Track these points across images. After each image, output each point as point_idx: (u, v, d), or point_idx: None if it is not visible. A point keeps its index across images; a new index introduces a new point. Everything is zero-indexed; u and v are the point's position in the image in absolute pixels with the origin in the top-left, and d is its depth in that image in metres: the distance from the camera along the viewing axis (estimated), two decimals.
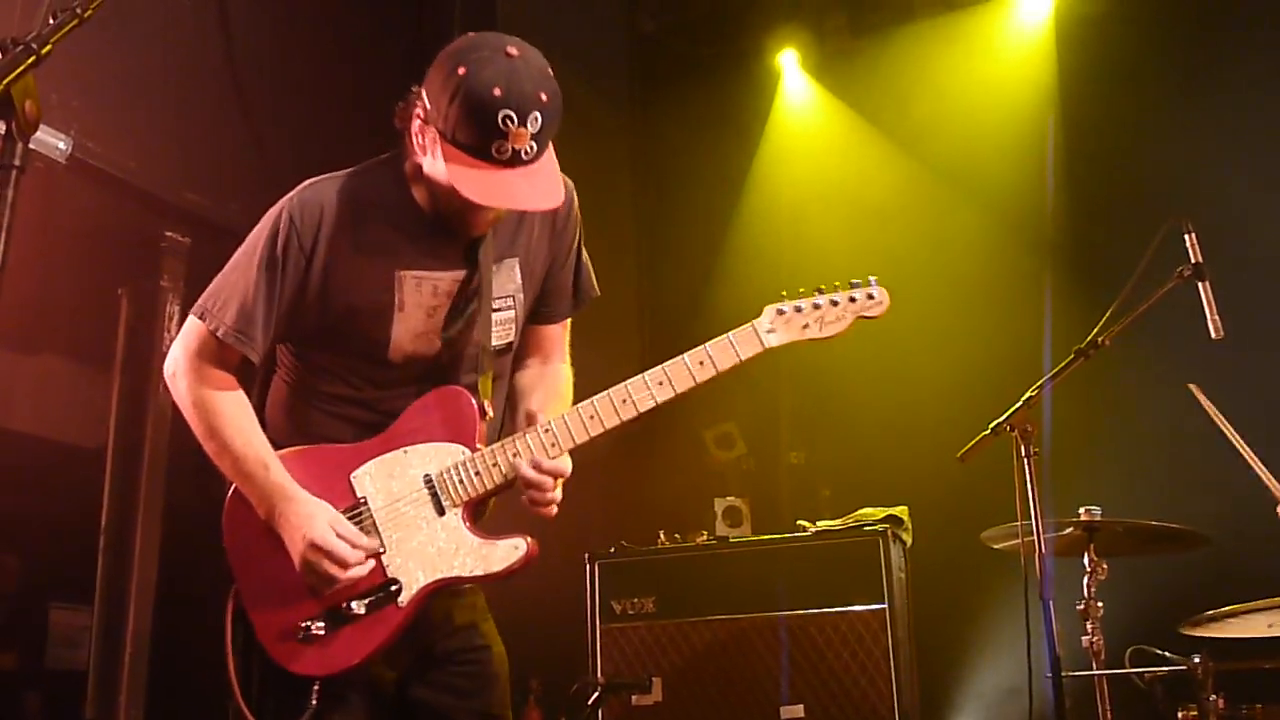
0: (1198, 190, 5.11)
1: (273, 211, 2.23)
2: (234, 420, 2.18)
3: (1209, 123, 5.36)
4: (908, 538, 4.35)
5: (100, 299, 4.34)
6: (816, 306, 2.24)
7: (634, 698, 4.16)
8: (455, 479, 2.17)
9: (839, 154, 6.11)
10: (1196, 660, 3.23)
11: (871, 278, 2.29)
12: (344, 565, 2.08)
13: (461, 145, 2.04)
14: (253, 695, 2.13)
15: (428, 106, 2.09)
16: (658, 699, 4.17)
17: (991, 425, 3.21)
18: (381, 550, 2.14)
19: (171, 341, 4.31)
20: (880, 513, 4.34)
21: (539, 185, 2.12)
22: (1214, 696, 3.20)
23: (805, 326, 2.24)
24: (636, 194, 6.26)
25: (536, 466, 2.16)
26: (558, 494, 2.20)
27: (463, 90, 2.01)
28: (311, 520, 2.10)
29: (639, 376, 2.20)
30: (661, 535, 4.59)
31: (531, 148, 2.06)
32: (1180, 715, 3.28)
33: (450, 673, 2.26)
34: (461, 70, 2.02)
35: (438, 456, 2.18)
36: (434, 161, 2.12)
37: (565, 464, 2.19)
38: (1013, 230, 5.55)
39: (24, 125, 1.36)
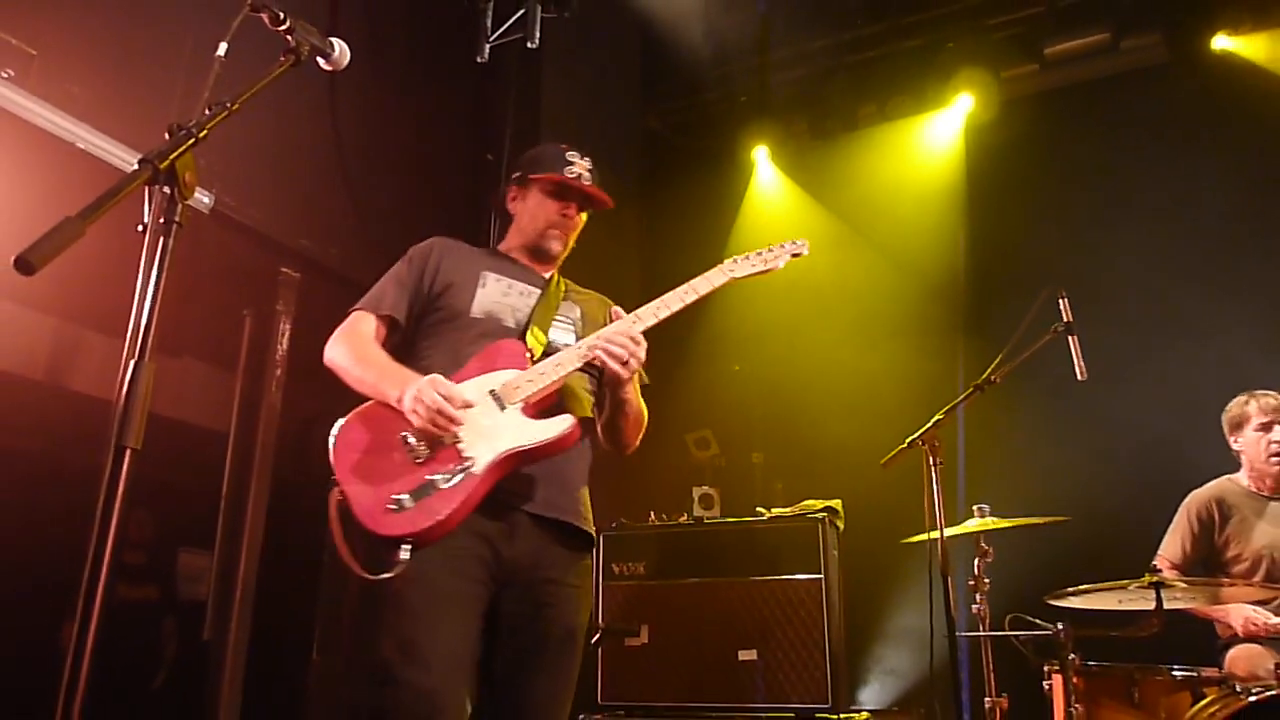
0: (1074, 263, 5.14)
1: None
2: (378, 351, 2.25)
3: (1084, 211, 5.41)
4: (841, 524, 4.34)
5: (229, 318, 4.36)
6: (760, 254, 2.50)
7: (626, 640, 4.15)
8: (512, 387, 2.18)
9: (799, 230, 6.00)
10: (1060, 627, 3.22)
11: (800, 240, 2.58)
12: (451, 399, 2.05)
13: (545, 170, 2.45)
14: (356, 557, 2.02)
15: (516, 176, 2.52)
16: (645, 642, 4.15)
17: (908, 440, 3.22)
18: (460, 440, 2.09)
19: (282, 354, 4.36)
20: (820, 504, 4.32)
21: (599, 194, 2.47)
22: (1073, 656, 3.19)
23: (754, 266, 2.47)
24: (644, 263, 6.26)
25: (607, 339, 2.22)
26: (626, 352, 2.19)
27: (541, 151, 2.52)
28: (433, 377, 2.11)
29: (648, 305, 2.30)
30: (652, 515, 4.59)
31: (590, 177, 2.46)
32: (1046, 669, 3.26)
33: (522, 611, 2.17)
34: (537, 148, 2.55)
35: (498, 379, 2.19)
36: (523, 202, 2.50)
37: (634, 328, 2.24)
38: (931, 292, 5.58)
39: (184, 191, 1.38)
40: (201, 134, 1.43)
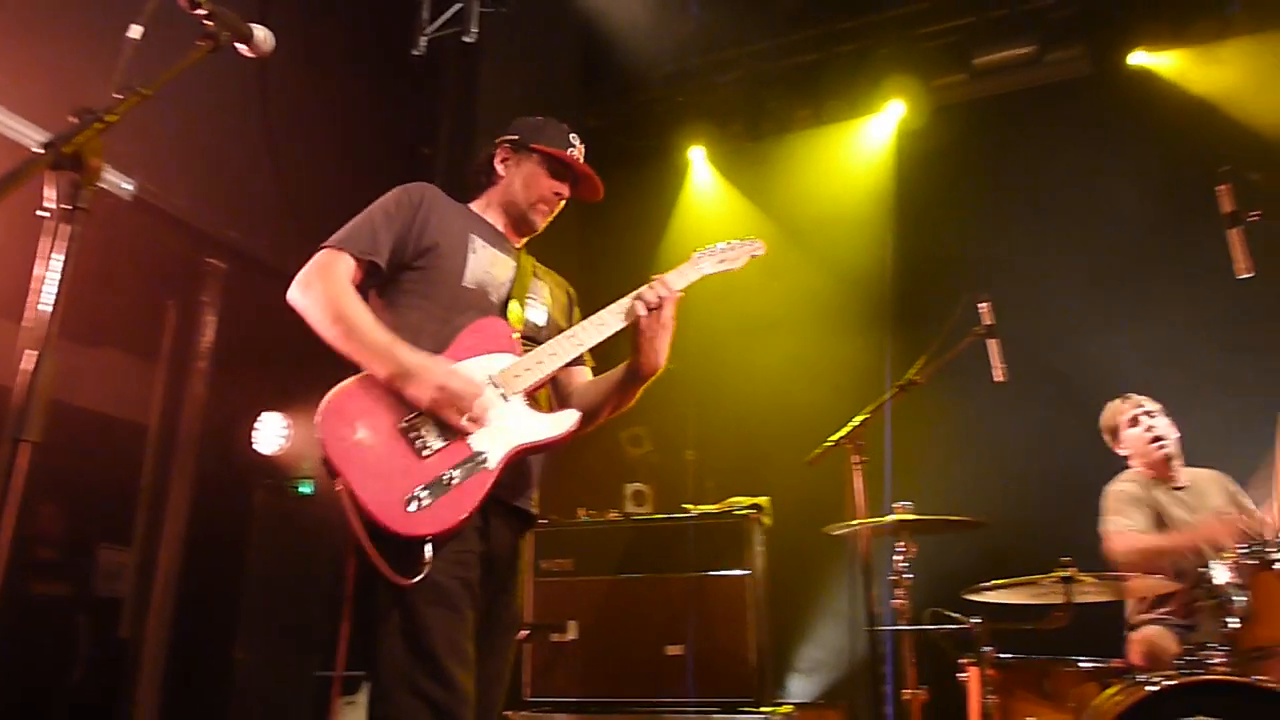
0: (998, 267, 5.24)
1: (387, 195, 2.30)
2: (360, 307, 2.08)
3: (1008, 217, 5.54)
4: (768, 521, 4.37)
5: (152, 308, 4.24)
6: (721, 249, 2.49)
7: (554, 636, 4.13)
8: (512, 375, 2.13)
9: (733, 230, 6.07)
10: (977, 621, 3.31)
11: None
12: (475, 389, 2.00)
13: (550, 143, 2.38)
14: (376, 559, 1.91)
15: (513, 140, 2.40)
16: (573, 638, 4.14)
17: (833, 439, 3.27)
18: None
19: (207, 345, 4.24)
20: (748, 501, 4.35)
21: (596, 181, 2.42)
22: (989, 649, 3.28)
23: (720, 261, 2.46)
24: (581, 259, 6.21)
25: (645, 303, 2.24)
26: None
27: (546, 123, 2.42)
28: (441, 362, 2.03)
29: (622, 301, 2.28)
30: (581, 511, 4.57)
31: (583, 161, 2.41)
32: (962, 662, 3.35)
33: (498, 605, 2.16)
34: (540, 119, 2.44)
35: (494, 363, 2.13)
36: (516, 166, 2.39)
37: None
38: (862, 293, 5.64)
39: (89, 176, 1.33)
40: (110, 118, 1.38)
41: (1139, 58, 5.51)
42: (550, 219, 2.43)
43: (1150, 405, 3.94)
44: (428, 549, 1.90)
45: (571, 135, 2.41)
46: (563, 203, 2.43)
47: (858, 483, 3.20)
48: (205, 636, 4.22)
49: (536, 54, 5.85)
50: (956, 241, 5.51)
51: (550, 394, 2.38)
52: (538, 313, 2.34)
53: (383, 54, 5.15)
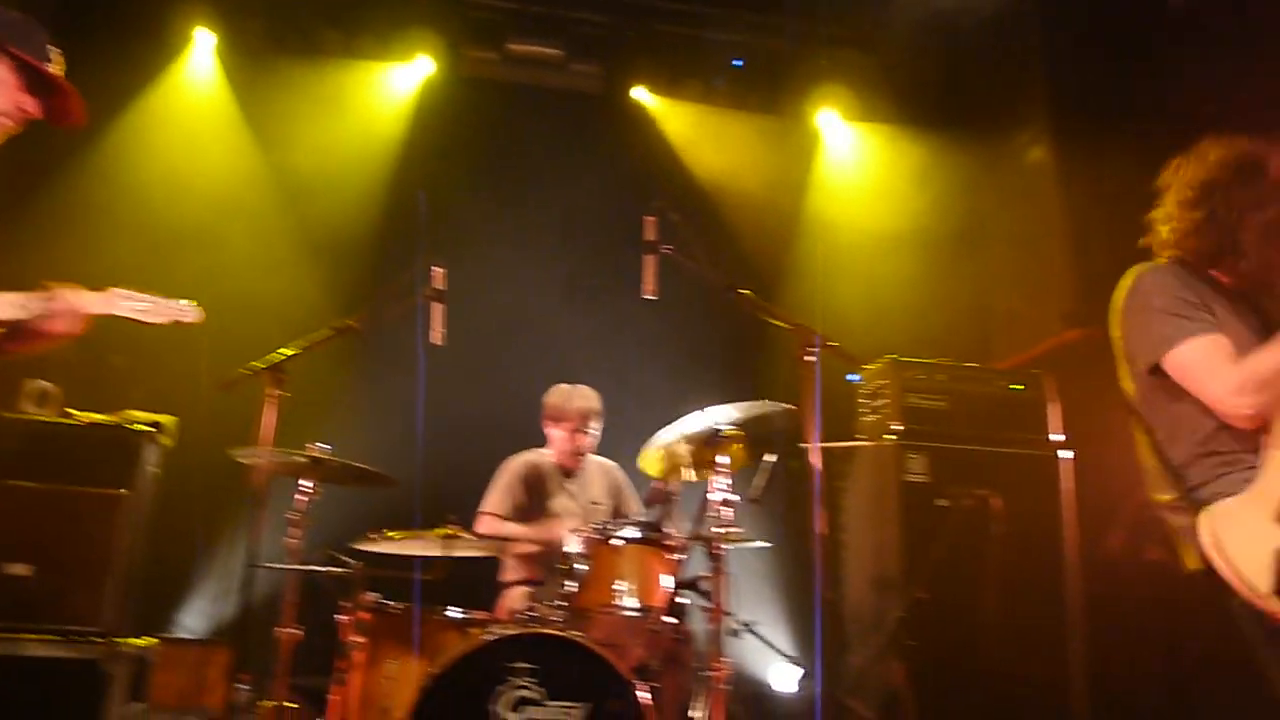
0: (474, 241, 5.40)
1: None
2: None
3: (495, 200, 5.80)
4: (168, 442, 4.06)
5: None
6: (148, 300, 2.34)
7: None
8: None
9: (212, 128, 5.63)
10: (358, 565, 3.41)
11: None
12: None
13: (24, 47, 2.03)
14: None
15: None
16: None
17: (250, 367, 3.17)
18: None
19: None
20: (148, 417, 4.01)
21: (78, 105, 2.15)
22: (370, 594, 3.39)
23: (138, 308, 2.33)
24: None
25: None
26: None
27: (16, 19, 2.05)
28: None
29: None
30: None
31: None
32: (342, 603, 3.40)
33: None
34: (18, 14, 2.07)
35: None
36: None
37: None
38: (342, 234, 5.52)
39: None
40: None
41: (639, 93, 6.19)
42: (6, 138, 2.06)
43: (596, 419, 4.32)
44: None
45: (50, 48, 2.07)
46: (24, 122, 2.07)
47: (269, 414, 3.12)
48: None
49: None
50: (447, 207, 5.56)
51: None
52: None
53: None
